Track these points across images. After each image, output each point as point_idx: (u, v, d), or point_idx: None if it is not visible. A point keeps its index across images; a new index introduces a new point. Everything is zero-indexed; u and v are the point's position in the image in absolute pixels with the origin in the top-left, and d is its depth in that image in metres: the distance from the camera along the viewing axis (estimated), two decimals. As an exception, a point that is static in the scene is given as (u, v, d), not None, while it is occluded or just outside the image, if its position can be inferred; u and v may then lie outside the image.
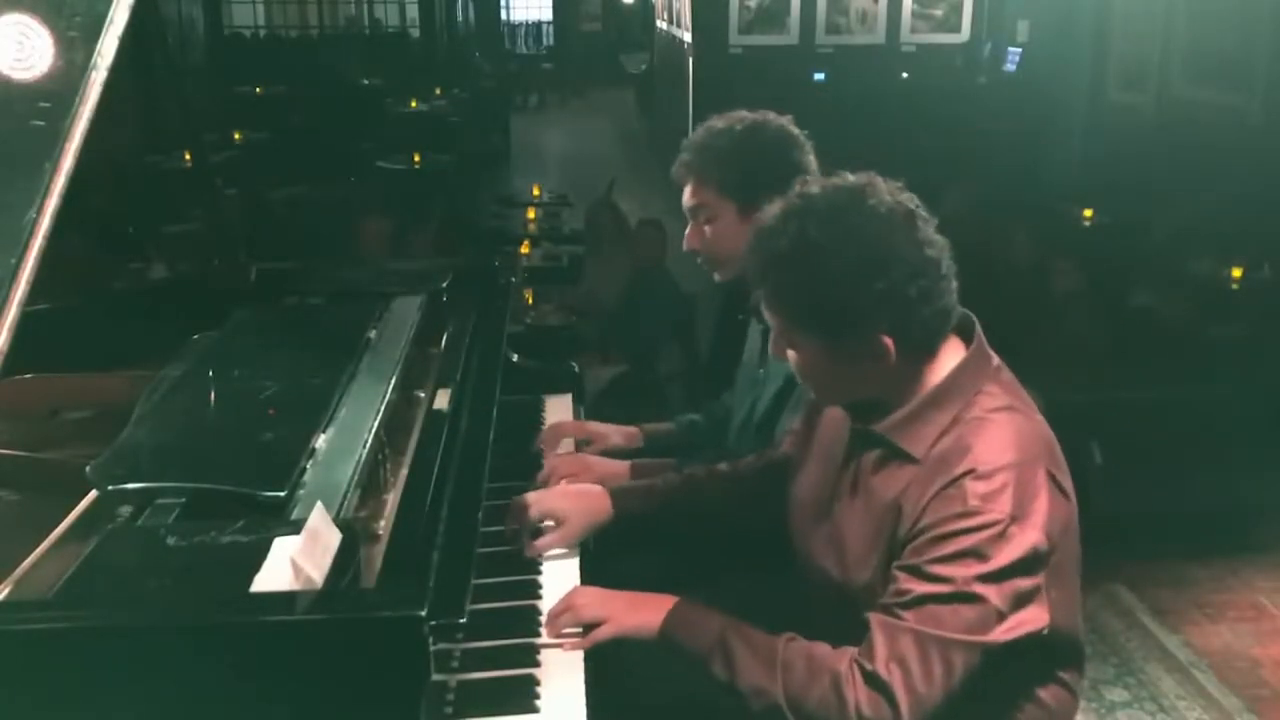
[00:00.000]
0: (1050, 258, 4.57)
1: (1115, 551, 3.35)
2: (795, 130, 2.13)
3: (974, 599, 1.38)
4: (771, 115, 2.15)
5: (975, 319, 1.57)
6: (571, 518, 1.85)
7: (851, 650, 1.45)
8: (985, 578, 1.38)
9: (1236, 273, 4.41)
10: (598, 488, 1.92)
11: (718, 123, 2.14)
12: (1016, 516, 1.40)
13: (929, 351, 1.52)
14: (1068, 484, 1.51)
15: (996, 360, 1.56)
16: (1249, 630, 3.26)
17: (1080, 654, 1.63)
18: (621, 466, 2.13)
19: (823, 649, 1.48)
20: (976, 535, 1.39)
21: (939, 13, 8.29)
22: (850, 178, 1.53)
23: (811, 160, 2.11)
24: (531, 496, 1.87)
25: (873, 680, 1.40)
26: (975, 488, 1.40)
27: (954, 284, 1.50)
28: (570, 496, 1.91)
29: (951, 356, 1.54)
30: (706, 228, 2.12)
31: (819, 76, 7.95)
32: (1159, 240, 5.12)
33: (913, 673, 1.38)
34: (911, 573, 1.42)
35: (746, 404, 2.25)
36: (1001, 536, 1.38)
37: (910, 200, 1.50)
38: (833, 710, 1.42)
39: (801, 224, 1.47)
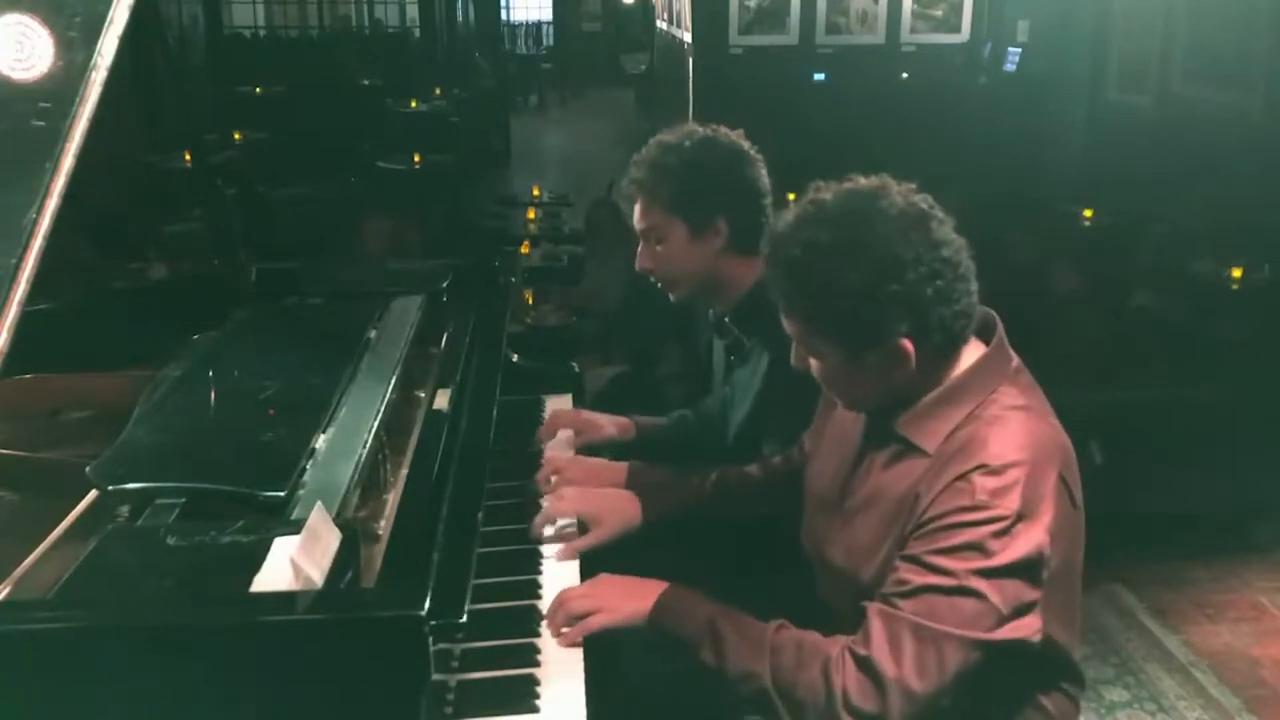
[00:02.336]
0: (1050, 258, 4.57)
1: (1115, 551, 3.35)
2: (747, 146, 2.09)
3: (973, 594, 1.38)
4: (723, 130, 2.12)
5: (998, 319, 1.56)
6: (604, 521, 1.85)
7: (844, 638, 1.45)
8: (986, 573, 1.38)
9: (1236, 273, 4.40)
10: (628, 493, 1.92)
11: (667, 138, 2.10)
12: (1024, 515, 1.39)
13: (951, 352, 1.51)
14: (1078, 494, 1.50)
15: (1016, 361, 1.55)
16: (1249, 630, 3.26)
17: (1075, 665, 1.62)
18: (619, 468, 2.11)
19: (813, 636, 1.48)
20: (981, 529, 1.38)
21: (939, 13, 8.27)
22: (862, 181, 1.52)
23: (764, 176, 2.08)
24: (568, 493, 1.88)
25: (865, 666, 1.40)
26: (985, 483, 1.40)
27: (974, 284, 1.49)
28: (604, 499, 1.90)
29: (971, 355, 1.53)
30: (658, 248, 2.09)
31: (819, 76, 7.94)
32: (1159, 240, 5.11)
33: (905, 664, 1.38)
34: (913, 563, 1.42)
35: (720, 416, 2.26)
36: (1006, 533, 1.38)
37: (924, 201, 1.49)
38: (820, 696, 1.42)
39: (814, 231, 1.47)
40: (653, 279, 2.16)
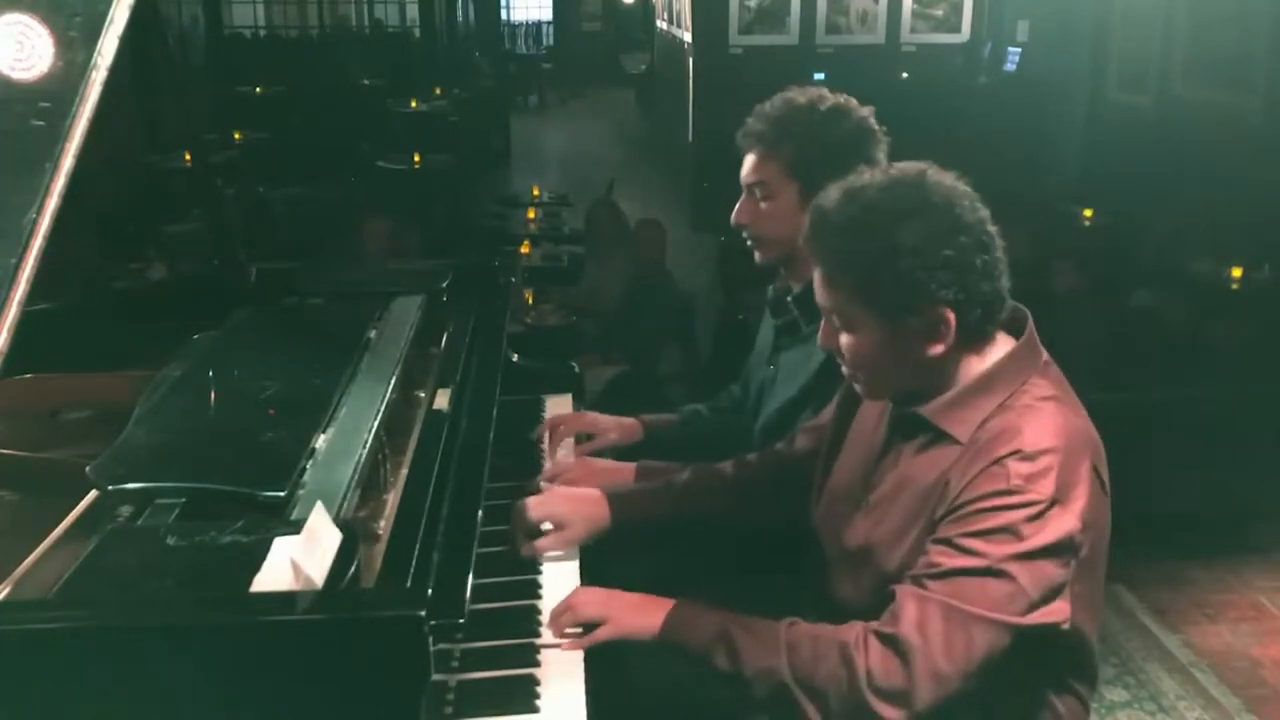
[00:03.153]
0: (1050, 258, 4.57)
1: (1115, 551, 3.32)
2: (876, 125, 2.05)
3: (1003, 576, 1.38)
4: (855, 102, 2.08)
5: (1028, 313, 1.57)
6: (572, 523, 1.85)
7: (859, 624, 1.45)
8: (1018, 557, 1.38)
9: (1236, 273, 4.42)
10: (597, 493, 1.90)
11: (797, 98, 2.04)
12: (1058, 500, 1.40)
13: (983, 335, 1.52)
14: (1107, 484, 1.51)
15: (1046, 356, 1.56)
16: (1249, 630, 3.26)
17: (1093, 664, 1.63)
18: (626, 469, 2.09)
19: (827, 628, 1.49)
20: (1015, 514, 1.39)
21: (939, 13, 8.29)
22: (904, 165, 1.55)
23: (886, 159, 2.02)
24: (533, 500, 1.87)
25: (891, 643, 1.40)
26: (1019, 468, 1.40)
27: (1007, 270, 1.50)
28: (571, 501, 1.89)
29: (1000, 348, 1.54)
30: (762, 204, 2.04)
31: (819, 76, 7.93)
32: (1159, 240, 5.11)
33: (934, 644, 1.38)
34: (945, 545, 1.42)
35: (753, 397, 2.23)
36: (1040, 518, 1.39)
37: (965, 183, 1.52)
38: (843, 682, 1.42)
39: (870, 195, 1.48)
40: (744, 234, 2.10)
